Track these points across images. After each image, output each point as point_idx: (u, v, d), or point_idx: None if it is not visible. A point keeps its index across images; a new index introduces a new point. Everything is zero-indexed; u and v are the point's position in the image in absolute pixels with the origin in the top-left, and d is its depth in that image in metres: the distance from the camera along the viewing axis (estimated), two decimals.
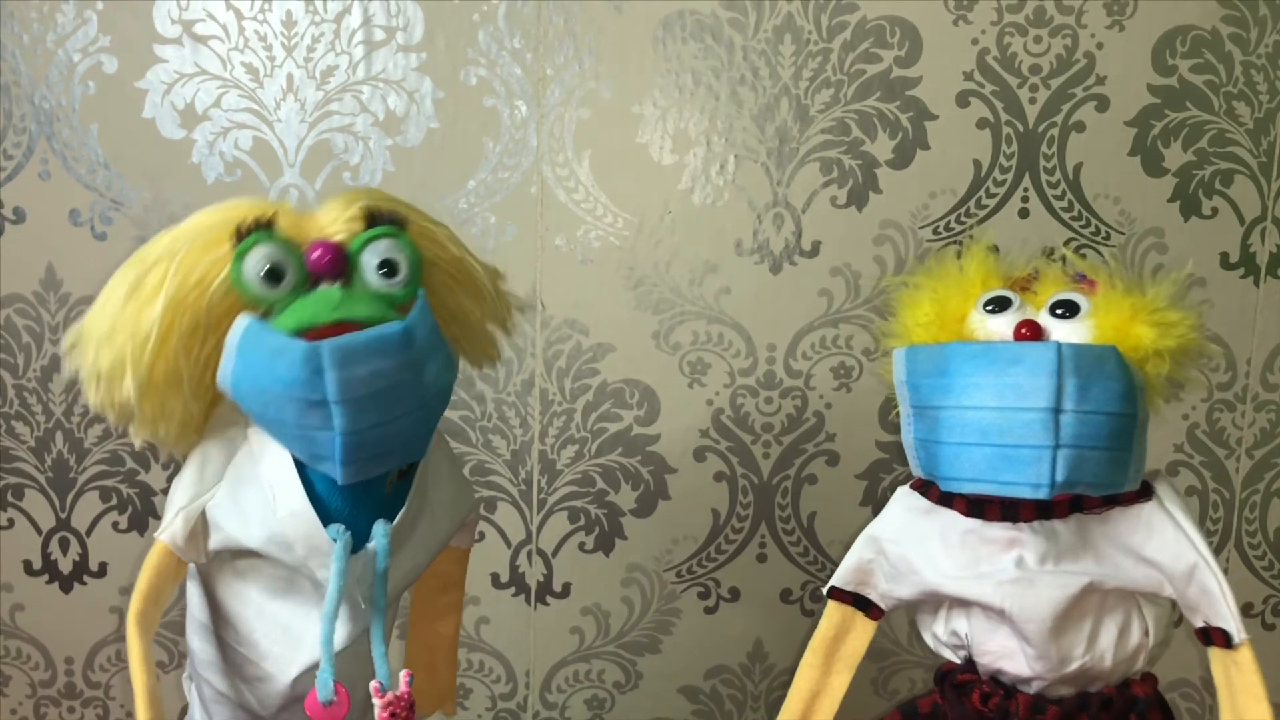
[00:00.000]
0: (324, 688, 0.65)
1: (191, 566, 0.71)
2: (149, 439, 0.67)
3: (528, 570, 1.14)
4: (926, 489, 0.71)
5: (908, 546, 0.71)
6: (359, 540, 0.66)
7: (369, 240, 0.65)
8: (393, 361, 0.62)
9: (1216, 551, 0.71)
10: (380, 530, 0.67)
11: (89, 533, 1.15)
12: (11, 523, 1.15)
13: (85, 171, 1.09)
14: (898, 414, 0.71)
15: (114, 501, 1.14)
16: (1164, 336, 0.65)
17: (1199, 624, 0.68)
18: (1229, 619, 0.66)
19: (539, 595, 1.15)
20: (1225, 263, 1.07)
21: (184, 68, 1.07)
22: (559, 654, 1.16)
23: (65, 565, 1.16)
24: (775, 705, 1.15)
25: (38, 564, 1.16)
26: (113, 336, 0.63)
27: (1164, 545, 0.67)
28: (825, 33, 1.04)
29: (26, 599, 1.17)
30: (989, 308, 0.69)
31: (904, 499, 0.73)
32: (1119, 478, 0.66)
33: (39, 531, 1.15)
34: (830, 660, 0.75)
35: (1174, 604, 0.70)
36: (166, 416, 0.65)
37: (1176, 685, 1.14)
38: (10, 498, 1.15)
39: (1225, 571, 0.67)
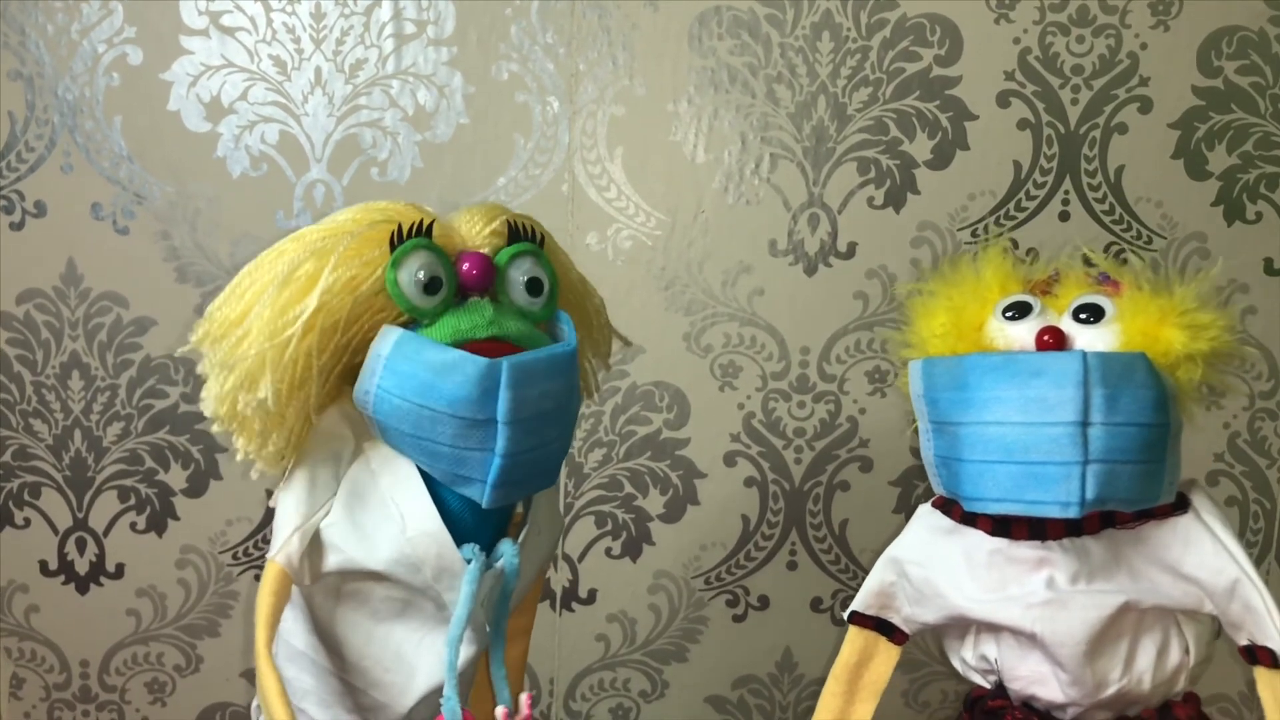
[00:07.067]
0: (453, 715, 0.62)
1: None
2: (253, 454, 0.63)
3: (553, 576, 1.12)
4: (949, 507, 0.69)
5: (931, 568, 0.69)
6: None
7: (514, 255, 0.64)
8: (560, 384, 0.61)
9: (1257, 563, 0.68)
10: (510, 549, 0.65)
11: (106, 533, 1.13)
12: (28, 522, 1.13)
13: (108, 165, 1.07)
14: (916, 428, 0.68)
15: (132, 501, 1.12)
16: (1195, 340, 0.62)
17: (1243, 642, 0.66)
18: (1276, 637, 0.63)
19: (564, 601, 1.13)
20: (1269, 268, 1.05)
21: (210, 60, 1.05)
22: (584, 661, 1.14)
23: (82, 566, 1.14)
24: (804, 716, 1.13)
25: (54, 564, 1.14)
26: (252, 334, 0.60)
27: (1203, 560, 0.65)
28: (864, 30, 1.02)
29: (42, 600, 1.15)
30: (1008, 314, 0.66)
31: (925, 518, 0.71)
32: (1153, 491, 0.62)
33: (55, 531, 1.13)
34: (853, 688, 0.72)
35: (1215, 619, 0.67)
36: (282, 426, 0.62)
37: (1212, 700, 1.12)
38: (27, 496, 1.13)
39: (1266, 585, 0.64)
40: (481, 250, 0.63)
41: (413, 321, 0.62)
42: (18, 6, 1.05)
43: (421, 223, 0.61)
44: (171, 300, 1.08)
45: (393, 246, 0.60)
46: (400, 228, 0.61)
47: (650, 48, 1.04)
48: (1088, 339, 0.63)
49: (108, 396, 1.10)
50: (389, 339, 0.60)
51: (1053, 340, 0.63)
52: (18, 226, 1.08)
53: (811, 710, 1.13)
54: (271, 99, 1.05)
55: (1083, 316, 0.64)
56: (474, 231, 0.64)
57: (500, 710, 0.64)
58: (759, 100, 1.04)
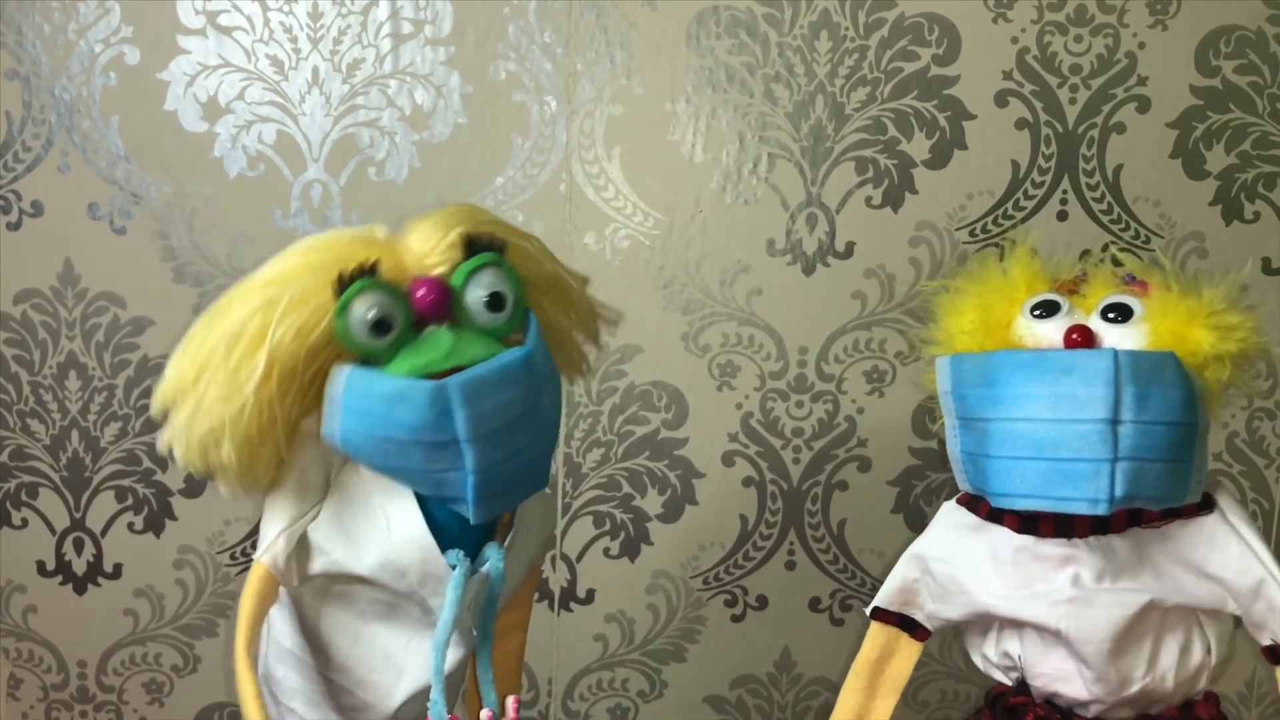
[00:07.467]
0: (439, 719, 0.62)
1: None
2: (237, 491, 0.64)
3: (551, 576, 1.12)
4: (975, 504, 0.69)
5: (956, 565, 0.69)
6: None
7: (472, 271, 0.61)
8: (518, 390, 0.60)
9: None
10: (496, 554, 0.65)
11: (104, 533, 1.13)
12: (25, 522, 1.13)
13: (105, 164, 1.07)
14: (937, 422, 0.68)
15: (130, 502, 1.12)
16: (1224, 340, 0.62)
17: (1266, 642, 0.66)
18: None
19: (563, 601, 1.12)
20: (1267, 268, 1.05)
21: (207, 60, 1.05)
22: (582, 662, 1.14)
23: (79, 566, 1.14)
24: (802, 716, 1.13)
25: (51, 565, 1.14)
26: (207, 400, 0.60)
27: (1227, 560, 0.65)
28: (862, 29, 1.02)
29: (39, 600, 1.15)
30: (1036, 312, 0.66)
31: (950, 515, 0.71)
32: (1180, 490, 0.62)
33: (53, 531, 1.13)
34: (874, 684, 0.72)
35: (1236, 619, 0.68)
36: (257, 464, 0.62)
37: None
38: (24, 497, 1.12)
39: None
40: (438, 270, 0.61)
41: (372, 360, 0.61)
42: (14, 6, 1.05)
43: (363, 265, 0.59)
44: (169, 300, 1.08)
45: (337, 293, 0.59)
46: (342, 274, 0.59)
47: (648, 47, 1.04)
48: (1116, 338, 0.63)
49: (105, 396, 1.10)
50: (339, 380, 0.60)
51: (1081, 339, 0.63)
52: (15, 226, 1.08)
53: (810, 710, 1.14)
54: (269, 99, 1.05)
55: (1111, 316, 0.64)
56: (428, 249, 0.62)
57: (485, 713, 0.64)
58: (757, 100, 1.04)
